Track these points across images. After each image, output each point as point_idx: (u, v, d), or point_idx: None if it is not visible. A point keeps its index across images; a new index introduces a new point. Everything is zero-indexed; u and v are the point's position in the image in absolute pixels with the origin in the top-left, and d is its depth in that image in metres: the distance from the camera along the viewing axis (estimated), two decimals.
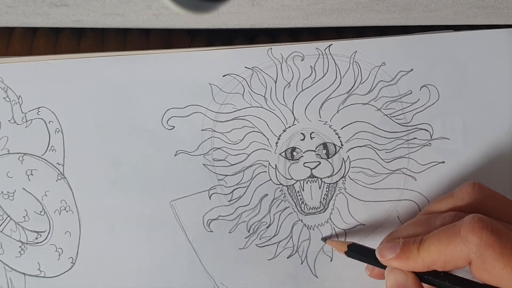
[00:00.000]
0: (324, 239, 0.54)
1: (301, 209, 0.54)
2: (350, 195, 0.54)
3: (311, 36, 0.57)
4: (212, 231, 0.54)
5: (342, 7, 0.44)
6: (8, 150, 0.53)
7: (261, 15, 0.46)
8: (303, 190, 0.54)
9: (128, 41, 0.56)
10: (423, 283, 0.46)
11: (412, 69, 0.54)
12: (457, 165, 0.54)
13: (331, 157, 0.54)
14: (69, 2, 0.40)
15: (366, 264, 0.52)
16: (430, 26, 0.55)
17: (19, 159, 0.53)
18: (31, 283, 0.54)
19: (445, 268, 0.44)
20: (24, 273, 0.54)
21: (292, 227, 0.55)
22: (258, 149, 0.54)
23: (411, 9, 0.45)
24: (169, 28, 0.56)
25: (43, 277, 0.54)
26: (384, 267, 0.48)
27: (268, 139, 0.54)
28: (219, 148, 0.54)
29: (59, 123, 0.53)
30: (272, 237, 0.55)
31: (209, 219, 0.54)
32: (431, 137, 0.54)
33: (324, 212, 0.55)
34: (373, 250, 0.49)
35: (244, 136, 0.54)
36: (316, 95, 0.54)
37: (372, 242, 0.54)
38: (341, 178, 0.54)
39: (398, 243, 0.46)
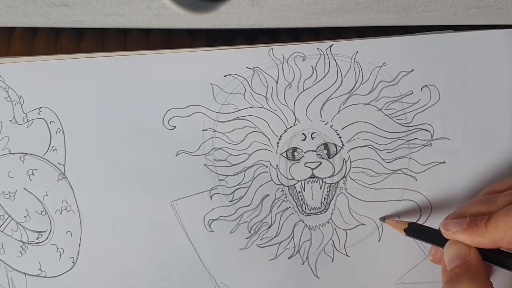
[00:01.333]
0: (383, 218, 0.54)
1: (302, 210, 0.54)
2: (351, 195, 0.54)
3: (311, 36, 0.57)
4: (213, 231, 0.54)
5: (342, 7, 0.44)
6: (9, 150, 0.54)
7: (261, 15, 0.46)
8: (304, 190, 0.54)
9: (128, 41, 0.56)
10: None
11: (413, 70, 0.54)
12: (457, 165, 0.54)
13: (332, 157, 0.54)
14: (69, 2, 0.40)
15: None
16: (430, 26, 0.55)
17: (20, 159, 0.54)
18: (32, 283, 0.54)
19: (510, 245, 0.45)
20: (25, 273, 0.54)
21: (293, 228, 0.55)
22: (259, 149, 0.54)
23: (411, 9, 0.45)
24: (169, 28, 0.56)
25: (44, 277, 0.54)
26: (442, 246, 0.48)
27: (269, 139, 0.54)
28: (220, 148, 0.54)
29: (60, 123, 0.53)
30: (273, 238, 0.55)
31: (210, 219, 0.54)
32: (431, 137, 0.54)
33: (325, 212, 0.54)
34: (434, 229, 0.50)
35: (245, 136, 0.54)
36: (317, 96, 0.54)
37: (372, 242, 0.54)
38: (342, 178, 0.54)
39: (465, 219, 0.47)
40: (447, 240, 0.48)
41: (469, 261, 0.46)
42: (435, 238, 0.49)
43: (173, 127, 0.54)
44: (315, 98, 0.54)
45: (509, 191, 0.48)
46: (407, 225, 0.51)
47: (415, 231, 0.51)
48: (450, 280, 0.46)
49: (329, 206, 0.54)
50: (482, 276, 0.45)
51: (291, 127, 0.54)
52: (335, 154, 0.54)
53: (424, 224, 0.52)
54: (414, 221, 0.54)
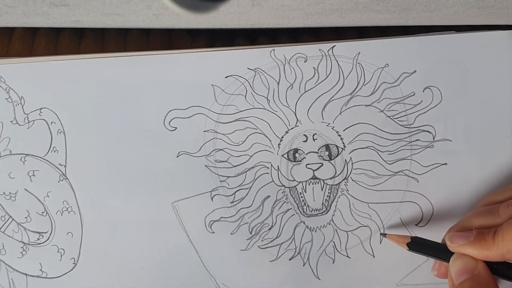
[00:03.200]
0: (384, 234, 0.54)
1: (303, 211, 0.54)
2: (353, 196, 0.54)
3: (312, 37, 0.57)
4: (214, 233, 0.54)
5: (342, 7, 0.44)
6: (10, 151, 0.54)
7: (261, 15, 0.46)
8: (306, 192, 0.54)
9: (129, 41, 0.56)
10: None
11: (415, 71, 0.54)
12: (459, 166, 0.54)
13: (334, 158, 0.54)
14: (69, 2, 0.40)
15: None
16: (431, 26, 0.55)
17: (21, 159, 0.54)
18: (33, 283, 0.54)
19: None
20: (26, 274, 0.54)
21: (295, 229, 0.54)
22: (260, 151, 0.54)
23: (411, 9, 0.45)
24: (169, 28, 0.56)
25: (45, 277, 0.54)
26: (447, 260, 0.48)
27: (270, 141, 0.54)
28: (221, 150, 0.54)
29: (61, 124, 0.53)
30: (274, 239, 0.55)
31: (211, 221, 0.54)
32: (433, 139, 0.54)
33: (326, 213, 0.54)
34: (438, 243, 0.50)
35: (247, 137, 0.54)
36: (319, 97, 0.54)
37: (374, 243, 0.54)
38: (343, 179, 0.54)
39: (471, 232, 0.47)
40: (452, 253, 0.48)
41: (477, 274, 0.46)
42: (439, 252, 0.49)
43: (174, 128, 0.54)
44: (316, 99, 0.54)
45: (510, 201, 0.48)
46: (410, 239, 0.51)
47: (419, 245, 0.51)
48: None
49: (330, 207, 0.54)
50: None
51: (292, 128, 0.54)
52: (337, 156, 0.54)
53: (427, 238, 0.52)
54: (416, 223, 0.54)
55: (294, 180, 0.54)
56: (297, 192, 0.54)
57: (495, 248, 0.45)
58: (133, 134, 0.53)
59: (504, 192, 0.50)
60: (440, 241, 0.50)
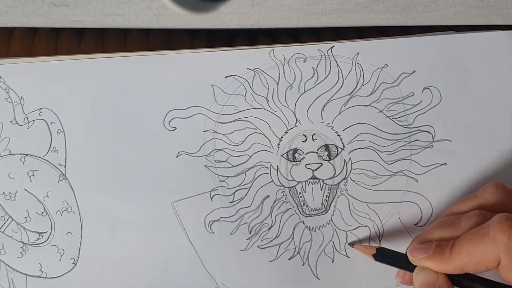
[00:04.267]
0: (352, 244, 0.54)
1: (303, 211, 0.54)
2: (352, 196, 0.54)
3: (312, 37, 0.57)
4: (213, 233, 0.54)
5: (342, 7, 0.44)
6: (10, 151, 0.54)
7: (261, 15, 0.46)
8: (305, 192, 0.54)
9: (129, 41, 0.56)
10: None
11: (414, 71, 0.54)
12: (459, 167, 0.54)
13: (333, 158, 0.54)
14: (69, 2, 0.40)
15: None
16: (430, 26, 0.55)
17: (20, 160, 0.54)
18: (32, 283, 0.54)
19: (476, 271, 0.45)
20: (25, 274, 0.54)
21: (294, 229, 0.54)
22: (260, 151, 0.54)
23: (411, 9, 0.45)
24: (169, 28, 0.56)
25: (45, 277, 0.54)
26: (411, 270, 0.48)
27: (270, 141, 0.54)
28: (221, 150, 0.54)
29: (61, 124, 0.53)
30: (274, 239, 0.55)
31: (210, 221, 0.54)
32: (433, 139, 0.54)
33: (325, 213, 0.54)
34: (402, 254, 0.49)
35: (246, 137, 0.54)
36: (318, 97, 0.54)
37: (374, 244, 0.54)
38: (342, 179, 0.54)
39: (430, 245, 0.47)
40: (415, 265, 0.48)
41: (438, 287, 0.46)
42: (403, 263, 0.49)
43: (173, 128, 0.54)
44: (316, 99, 0.54)
45: (471, 213, 0.47)
46: (375, 250, 0.51)
47: (384, 256, 0.51)
48: None
49: (329, 207, 0.54)
50: None
51: (292, 128, 0.54)
52: (336, 156, 0.54)
53: (392, 249, 0.52)
54: (415, 223, 0.54)
55: (294, 180, 0.54)
56: (297, 192, 0.54)
57: (452, 262, 0.45)
58: (133, 134, 0.53)
59: (468, 201, 0.50)
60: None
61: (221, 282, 0.54)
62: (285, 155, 0.54)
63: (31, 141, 0.54)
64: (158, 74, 0.53)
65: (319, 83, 0.54)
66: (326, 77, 0.54)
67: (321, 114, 0.54)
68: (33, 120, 0.53)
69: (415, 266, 0.48)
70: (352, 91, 0.54)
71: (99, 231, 0.54)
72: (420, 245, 0.47)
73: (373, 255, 0.51)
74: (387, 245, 0.54)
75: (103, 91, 0.53)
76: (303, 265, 0.55)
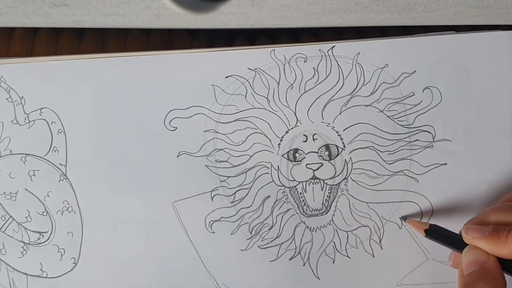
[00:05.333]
0: (404, 218, 0.54)
1: (304, 211, 0.54)
2: (353, 196, 0.54)
3: (312, 37, 0.57)
4: (214, 232, 0.54)
5: (342, 7, 0.44)
6: (11, 151, 0.54)
7: (261, 15, 0.46)
8: (306, 192, 0.54)
9: (129, 41, 0.56)
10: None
11: (415, 71, 0.54)
12: (459, 166, 0.54)
13: (334, 158, 0.54)
14: (69, 2, 0.40)
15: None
16: (430, 26, 0.55)
17: (21, 159, 0.54)
18: (33, 283, 0.54)
19: None
20: (26, 273, 0.54)
21: (295, 229, 0.54)
22: (260, 151, 0.54)
23: (411, 9, 0.45)
24: (169, 28, 0.56)
25: (45, 277, 0.54)
26: (461, 251, 0.48)
27: (270, 141, 0.54)
28: (221, 149, 0.54)
29: (61, 124, 0.53)
30: (275, 239, 0.55)
31: (211, 221, 0.54)
32: (433, 139, 0.54)
33: (326, 213, 0.54)
34: (454, 233, 0.50)
35: (247, 137, 0.54)
36: (319, 97, 0.54)
37: (374, 243, 0.54)
38: (343, 179, 0.54)
39: (487, 227, 0.47)
40: (466, 245, 0.48)
41: (486, 267, 0.46)
42: (454, 242, 0.49)
43: (174, 128, 0.54)
44: (316, 99, 0.54)
45: None
46: (428, 226, 0.51)
47: (436, 233, 0.51)
48: (466, 284, 0.46)
49: (330, 207, 0.54)
50: (498, 282, 0.45)
51: (292, 128, 0.54)
52: (337, 156, 0.54)
53: (444, 228, 0.52)
54: None
55: (294, 180, 0.54)
56: (297, 192, 0.54)
57: (507, 246, 0.45)
58: (134, 134, 0.54)
59: None
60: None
61: (221, 282, 0.54)
62: (285, 155, 0.54)
63: (32, 141, 0.54)
64: (158, 74, 0.53)
65: (320, 83, 0.54)
66: (326, 77, 0.54)
67: (322, 114, 0.54)
68: (34, 120, 0.53)
69: (465, 247, 0.48)
70: (353, 91, 0.54)
71: (99, 231, 0.54)
72: (475, 225, 0.48)
73: (425, 231, 0.51)
74: (387, 245, 0.54)
75: (104, 91, 0.53)
76: (303, 265, 0.55)
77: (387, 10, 0.45)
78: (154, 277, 0.54)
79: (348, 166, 0.54)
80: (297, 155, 0.54)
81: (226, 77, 0.54)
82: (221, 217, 0.54)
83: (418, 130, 0.54)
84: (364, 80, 0.54)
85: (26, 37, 0.55)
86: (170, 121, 0.54)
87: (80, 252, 0.54)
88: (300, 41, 0.56)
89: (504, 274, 0.46)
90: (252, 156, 0.54)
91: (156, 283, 0.54)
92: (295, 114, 0.54)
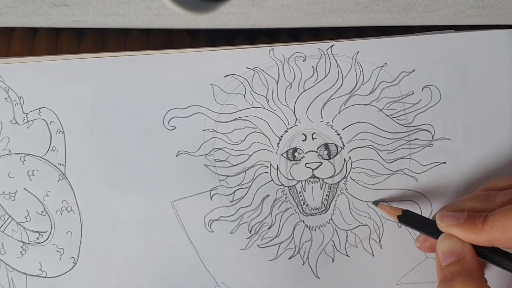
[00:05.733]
0: (376, 203, 0.54)
1: (303, 210, 0.54)
2: (352, 195, 0.54)
3: (311, 36, 0.57)
4: (213, 232, 0.54)
5: (342, 7, 0.44)
6: (10, 151, 0.54)
7: (261, 15, 0.46)
8: (305, 191, 0.54)
9: (129, 41, 0.56)
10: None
11: (414, 70, 0.54)
12: (458, 165, 0.54)
13: (333, 157, 0.54)
14: (69, 2, 0.40)
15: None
16: (430, 26, 0.55)
17: (20, 159, 0.54)
18: (32, 283, 0.54)
19: (505, 245, 0.45)
20: (25, 273, 0.54)
21: (294, 228, 0.55)
22: (259, 150, 0.54)
23: (411, 9, 0.45)
24: (169, 28, 0.56)
25: (45, 277, 0.54)
26: (435, 237, 0.48)
27: (269, 140, 0.54)
28: (220, 149, 0.54)
29: (60, 123, 0.53)
30: (274, 238, 0.55)
31: (210, 220, 0.54)
32: (432, 138, 0.54)
33: (325, 212, 0.54)
34: (428, 219, 0.50)
35: (246, 136, 0.54)
36: (318, 96, 0.54)
37: (373, 242, 0.54)
38: (342, 178, 0.54)
39: (462, 214, 0.47)
40: (441, 232, 0.48)
41: (463, 258, 0.46)
42: (428, 228, 0.49)
43: (173, 128, 0.54)
44: (315, 98, 0.54)
45: (509, 190, 0.48)
46: (401, 212, 0.51)
47: (409, 219, 0.51)
48: (445, 279, 0.46)
49: (329, 206, 0.54)
50: (476, 275, 0.45)
51: (291, 127, 0.54)
52: (336, 155, 0.54)
53: (418, 213, 0.52)
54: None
55: (293, 179, 0.54)
56: (297, 191, 0.54)
57: (483, 233, 0.45)
58: (133, 134, 0.53)
59: (507, 180, 0.50)
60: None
61: (221, 281, 0.54)
62: (284, 154, 0.54)
63: (30, 140, 0.54)
64: (158, 74, 0.53)
65: (319, 82, 0.54)
66: (325, 76, 0.54)
67: (321, 113, 0.54)
68: (33, 120, 0.53)
69: (440, 233, 0.48)
70: (352, 90, 0.54)
71: (99, 230, 0.54)
72: (450, 212, 0.47)
73: (398, 217, 0.51)
74: (386, 244, 0.54)
75: (103, 91, 0.53)
76: (303, 264, 0.55)
77: (387, 10, 0.45)
78: (153, 277, 0.54)
79: (347, 165, 0.54)
80: (296, 154, 0.54)
81: (225, 76, 0.54)
82: (220, 217, 0.54)
83: (418, 129, 0.54)
84: (363, 79, 0.54)
85: (26, 37, 0.55)
86: (169, 120, 0.54)
87: (79, 251, 0.54)
88: (300, 41, 0.56)
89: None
90: (251, 155, 0.54)
91: (156, 283, 0.54)
92: (294, 113, 0.54)
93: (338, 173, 0.54)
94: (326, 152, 0.54)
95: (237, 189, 0.54)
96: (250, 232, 0.54)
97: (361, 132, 0.54)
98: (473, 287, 0.44)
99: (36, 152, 0.54)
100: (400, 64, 0.54)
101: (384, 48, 0.54)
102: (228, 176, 0.54)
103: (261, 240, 0.54)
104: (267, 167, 0.54)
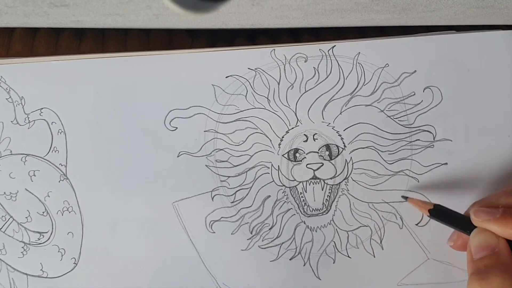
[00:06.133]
0: (405, 197, 0.54)
1: (304, 211, 0.54)
2: (353, 196, 0.54)
3: (312, 37, 0.57)
4: (214, 232, 0.54)
5: (342, 7, 0.44)
6: (11, 151, 0.54)
7: (261, 15, 0.46)
8: (306, 192, 0.54)
9: (129, 41, 0.56)
10: None
11: (415, 71, 0.54)
12: (459, 166, 0.54)
13: (334, 158, 0.54)
14: (69, 2, 0.40)
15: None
16: (431, 26, 0.55)
17: (21, 160, 0.54)
18: (33, 283, 0.54)
19: None
20: (26, 274, 0.54)
21: (295, 229, 0.54)
22: (260, 151, 0.54)
23: (411, 9, 0.45)
24: (170, 28, 0.56)
25: (46, 277, 0.54)
26: (467, 232, 0.48)
27: (271, 141, 0.54)
28: (221, 149, 0.54)
29: (61, 124, 0.53)
30: (275, 239, 0.54)
31: (211, 220, 0.54)
32: (434, 139, 0.54)
33: (326, 213, 0.54)
34: (460, 214, 0.50)
35: (247, 137, 0.54)
36: (319, 97, 0.54)
37: (374, 243, 0.54)
38: (344, 179, 0.54)
39: (497, 209, 0.46)
40: (473, 227, 0.48)
41: (498, 252, 0.45)
42: (461, 223, 0.49)
43: (174, 128, 0.54)
44: (317, 99, 0.54)
45: None
46: (432, 206, 0.51)
47: (441, 213, 0.51)
48: (478, 271, 0.45)
49: (330, 207, 0.54)
50: (511, 268, 0.45)
51: (293, 128, 0.54)
52: (337, 156, 0.54)
53: (449, 208, 0.51)
54: (416, 223, 0.54)
55: (295, 180, 0.54)
56: (298, 192, 0.54)
57: None
58: (134, 134, 0.54)
59: None
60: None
61: (222, 282, 0.54)
62: (286, 155, 0.54)
63: (32, 141, 0.54)
64: (158, 74, 0.53)
65: (320, 82, 0.54)
66: (327, 77, 0.54)
67: (322, 114, 0.54)
68: (34, 120, 0.53)
69: (472, 229, 0.48)
70: (353, 91, 0.54)
71: (100, 231, 0.54)
72: (484, 208, 0.47)
73: (429, 211, 0.51)
74: (388, 244, 0.54)
75: (104, 91, 0.53)
76: (304, 265, 0.55)
77: (387, 10, 0.45)
78: (154, 277, 0.54)
79: (348, 166, 0.54)
80: (297, 155, 0.54)
81: (226, 77, 0.54)
82: (222, 217, 0.54)
83: (419, 129, 0.54)
84: (365, 80, 0.54)
85: (26, 37, 0.55)
86: (171, 121, 0.54)
87: (80, 252, 0.54)
88: (300, 41, 0.56)
89: None
90: (252, 156, 0.54)
91: (156, 283, 0.54)
92: (296, 114, 0.54)
93: (339, 174, 0.54)
94: (327, 153, 0.54)
95: (238, 190, 0.54)
96: (251, 233, 0.54)
97: (362, 133, 0.54)
98: (509, 280, 0.44)
99: (37, 153, 0.54)
100: (402, 65, 0.54)
101: (385, 49, 0.54)
102: (229, 176, 0.54)
103: (262, 241, 0.54)
104: (268, 167, 0.54)
